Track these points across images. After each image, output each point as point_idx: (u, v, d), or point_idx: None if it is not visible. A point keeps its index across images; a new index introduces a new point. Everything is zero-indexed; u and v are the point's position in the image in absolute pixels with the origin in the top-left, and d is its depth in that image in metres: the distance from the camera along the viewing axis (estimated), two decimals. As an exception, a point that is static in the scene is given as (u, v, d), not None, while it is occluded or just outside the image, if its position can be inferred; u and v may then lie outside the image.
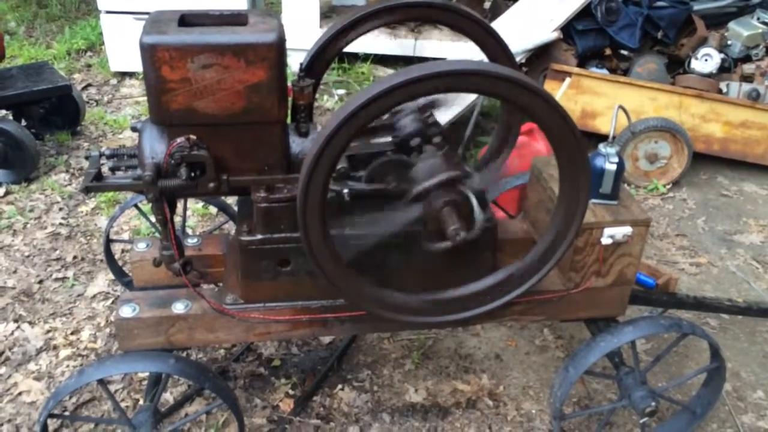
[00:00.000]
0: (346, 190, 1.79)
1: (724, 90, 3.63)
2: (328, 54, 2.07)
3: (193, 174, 1.75)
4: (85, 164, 3.66)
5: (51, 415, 1.75)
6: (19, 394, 2.30)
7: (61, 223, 3.18)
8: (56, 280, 2.83)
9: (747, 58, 3.77)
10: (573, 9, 3.42)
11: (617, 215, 2.01)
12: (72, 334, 2.55)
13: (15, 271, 2.87)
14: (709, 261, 3.15)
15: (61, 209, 3.29)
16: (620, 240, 2.00)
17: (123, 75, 4.82)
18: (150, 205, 1.80)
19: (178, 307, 1.94)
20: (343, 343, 2.50)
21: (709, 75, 3.66)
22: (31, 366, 2.41)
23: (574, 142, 1.65)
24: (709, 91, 3.61)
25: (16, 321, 2.60)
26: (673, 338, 2.08)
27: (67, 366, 2.40)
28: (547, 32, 3.43)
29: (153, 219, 2.64)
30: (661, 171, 3.68)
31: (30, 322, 2.59)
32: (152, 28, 1.66)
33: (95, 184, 1.79)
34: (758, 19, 3.80)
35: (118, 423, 1.88)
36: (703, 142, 3.70)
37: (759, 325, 2.75)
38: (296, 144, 1.85)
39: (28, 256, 2.96)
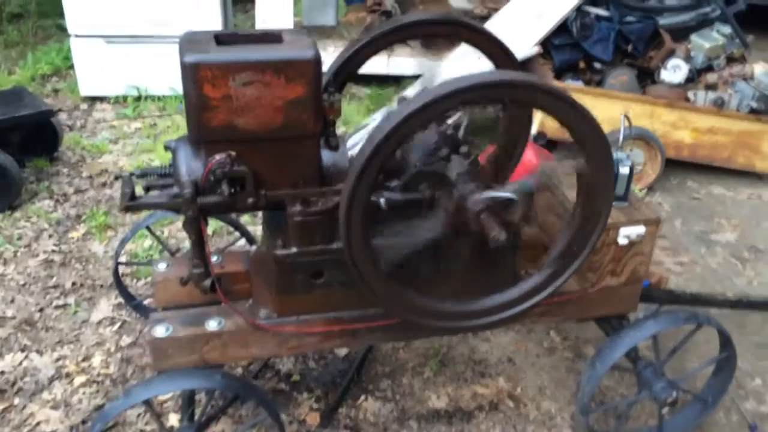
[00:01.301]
0: (382, 200, 1.84)
1: (692, 99, 3.84)
2: (347, 71, 2.13)
3: (233, 190, 1.77)
4: (69, 189, 3.62)
5: (96, 439, 1.73)
6: (38, 424, 2.25)
7: (53, 250, 3.11)
8: (57, 307, 2.77)
9: (709, 68, 4.00)
10: (552, 24, 3.57)
11: (630, 216, 2.12)
12: (83, 360, 2.50)
13: (12, 301, 2.79)
14: (691, 260, 3.31)
15: (50, 236, 3.22)
16: (635, 239, 2.11)
17: (93, 100, 4.75)
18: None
19: (212, 325, 1.95)
20: (360, 355, 2.53)
21: (678, 85, 3.87)
22: (46, 395, 2.35)
23: (604, 151, 1.74)
24: (677, 99, 3.82)
25: (22, 350, 2.53)
26: (686, 331, 2.20)
27: (83, 393, 2.36)
28: (528, 47, 3.57)
29: (163, 240, 2.65)
30: (636, 177, 3.85)
31: (38, 351, 2.53)
32: (192, 48, 1.68)
33: (133, 203, 1.79)
34: (717, 31, 4.05)
35: (163, 443, 1.87)
36: (673, 148, 3.90)
37: (746, 317, 2.91)
38: (327, 157, 1.89)
39: (23, 285, 2.89)
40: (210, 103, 1.67)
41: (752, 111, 3.82)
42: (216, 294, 1.96)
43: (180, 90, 4.99)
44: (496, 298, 1.96)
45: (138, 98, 4.71)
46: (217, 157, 1.73)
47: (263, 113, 1.71)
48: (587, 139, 1.72)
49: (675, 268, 3.24)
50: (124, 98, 4.72)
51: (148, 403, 1.74)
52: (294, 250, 1.88)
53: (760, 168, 4.01)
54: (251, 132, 1.72)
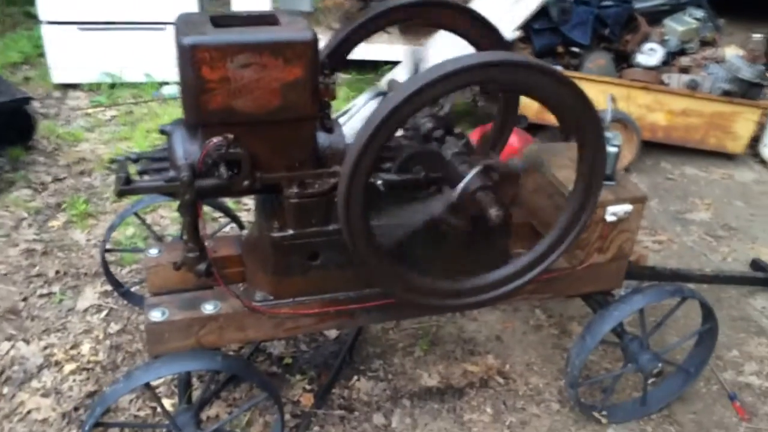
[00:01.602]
0: (379, 182, 1.86)
1: (667, 81, 3.93)
2: (341, 54, 2.14)
3: (230, 173, 1.77)
4: (47, 178, 3.57)
5: (97, 424, 1.73)
6: (28, 412, 2.22)
7: (34, 239, 3.06)
8: (41, 296, 2.74)
9: (683, 52, 4.09)
10: (532, 9, 3.61)
11: (618, 194, 2.18)
12: (71, 348, 2.48)
13: (-5, 290, 2.76)
14: (668, 238, 3.40)
15: (30, 225, 3.17)
16: (622, 217, 2.16)
17: (66, 87, 4.67)
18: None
19: (208, 308, 1.95)
20: (351, 337, 2.56)
21: (653, 68, 3.95)
22: (35, 384, 2.33)
23: (597, 128, 1.79)
24: (653, 83, 3.90)
25: (8, 339, 2.50)
26: (666, 307, 2.27)
27: (74, 381, 2.34)
28: (507, 32, 3.60)
29: (151, 225, 2.63)
30: (613, 159, 3.92)
31: (24, 340, 2.50)
32: (189, 30, 1.67)
33: (128, 187, 1.78)
34: (690, 15, 4.14)
35: (165, 427, 1.87)
36: (648, 130, 3.98)
37: (722, 292, 3.01)
38: (323, 139, 1.90)
39: (5, 275, 2.84)
40: (208, 85, 1.66)
41: (724, 93, 3.91)
42: (210, 278, 1.97)
43: (155, 77, 4.95)
44: (491, 275, 2.00)
45: (112, 85, 4.65)
46: (215, 139, 1.73)
47: (261, 95, 1.71)
48: (582, 119, 1.77)
49: (653, 246, 3.35)
50: (98, 85, 4.65)
51: (148, 386, 1.74)
52: (290, 232, 1.90)
53: (731, 149, 4.12)
54: (249, 114, 1.72)
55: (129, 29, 4.54)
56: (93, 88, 4.65)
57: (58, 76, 4.63)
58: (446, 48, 3.77)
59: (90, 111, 4.37)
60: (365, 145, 1.62)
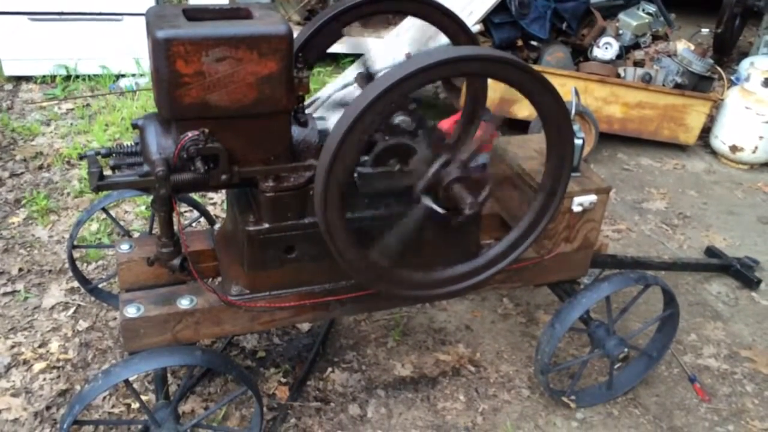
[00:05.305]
0: (355, 174, 1.88)
1: (622, 74, 4.04)
2: (312, 48, 2.15)
3: (207, 167, 1.77)
4: (3, 174, 3.47)
5: (75, 422, 1.71)
6: (-1, 412, 2.19)
7: (-7, 237, 2.99)
8: (5, 294, 2.67)
9: (636, 45, 4.21)
10: (491, 3, 3.66)
11: (583, 185, 2.25)
12: (40, 347, 2.43)
13: (-45, 290, 2.68)
14: (627, 227, 3.51)
15: (-12, 222, 3.09)
16: (588, 207, 2.23)
17: (18, 80, 4.55)
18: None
19: (184, 303, 1.94)
20: (323, 329, 2.58)
21: (609, 61, 4.05)
22: (4, 383, 2.28)
23: (565, 120, 1.84)
24: (609, 76, 4.00)
25: (-28, 340, 2.45)
26: (629, 293, 2.35)
27: (44, 379, 2.30)
28: (469, 25, 3.64)
29: (120, 222, 2.59)
30: (572, 150, 4.02)
31: (-11, 340, 2.45)
32: (163, 23, 1.65)
33: (104, 182, 1.76)
34: (643, 10, 4.26)
35: (143, 423, 1.86)
36: (605, 122, 4.09)
37: (680, 278, 3.12)
38: (297, 133, 1.91)
39: (-35, 273, 2.78)
40: (182, 79, 1.65)
41: (677, 86, 4.04)
42: (185, 273, 1.96)
43: (112, 69, 4.84)
44: (464, 266, 2.04)
45: (67, 78, 4.54)
46: (190, 134, 1.72)
47: (236, 89, 1.71)
48: (552, 112, 1.82)
49: (613, 235, 3.45)
50: (52, 78, 4.54)
51: (128, 383, 1.73)
52: (266, 225, 1.90)
53: (684, 140, 4.26)
54: (224, 108, 1.71)
55: (83, 20, 4.43)
56: (47, 80, 4.54)
57: (9, 68, 4.51)
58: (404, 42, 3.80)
59: (45, 104, 4.26)
60: (343, 138, 1.64)
